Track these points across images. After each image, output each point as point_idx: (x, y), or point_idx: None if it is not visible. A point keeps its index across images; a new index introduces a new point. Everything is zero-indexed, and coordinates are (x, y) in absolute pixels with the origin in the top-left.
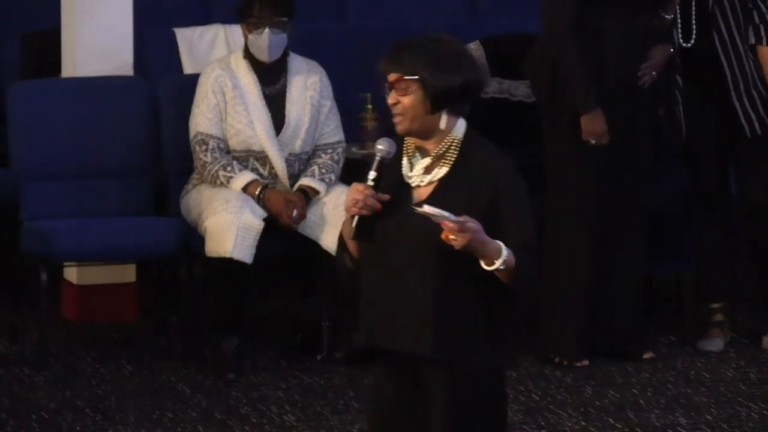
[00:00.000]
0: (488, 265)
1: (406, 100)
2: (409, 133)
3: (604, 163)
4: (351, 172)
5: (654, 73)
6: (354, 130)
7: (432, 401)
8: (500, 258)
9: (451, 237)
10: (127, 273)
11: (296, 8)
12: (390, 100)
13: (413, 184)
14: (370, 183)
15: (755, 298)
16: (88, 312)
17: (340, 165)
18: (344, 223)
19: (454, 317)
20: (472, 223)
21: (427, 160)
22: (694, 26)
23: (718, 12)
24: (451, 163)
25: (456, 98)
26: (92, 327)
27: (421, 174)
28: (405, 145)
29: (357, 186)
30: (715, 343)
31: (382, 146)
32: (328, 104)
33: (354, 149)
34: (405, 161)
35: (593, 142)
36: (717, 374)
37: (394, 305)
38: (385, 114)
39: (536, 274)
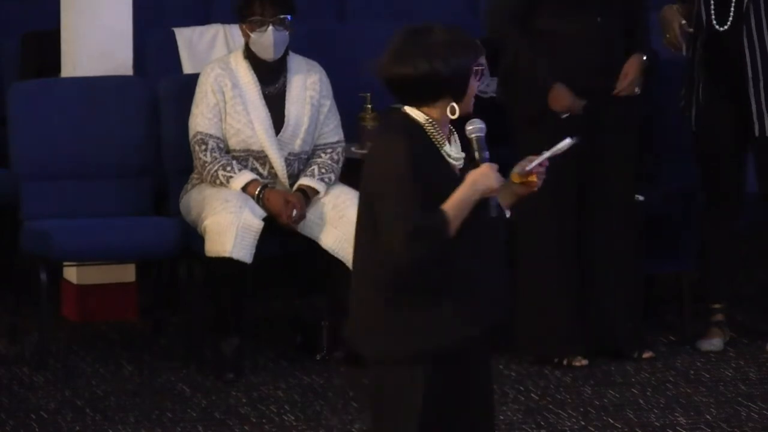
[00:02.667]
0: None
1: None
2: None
3: (574, 160)
4: (350, 172)
5: (637, 89)
6: (354, 129)
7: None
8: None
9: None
10: (126, 273)
11: (296, 6)
12: (478, 88)
13: (458, 165)
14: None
15: (755, 298)
16: (88, 312)
17: (340, 165)
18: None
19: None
20: None
21: (458, 143)
22: (732, 11)
23: (752, 5)
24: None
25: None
26: (92, 327)
27: (460, 155)
28: (431, 132)
29: (490, 168)
30: (715, 343)
31: (475, 125)
32: (328, 104)
33: (353, 149)
34: (439, 146)
35: (567, 114)
36: (717, 374)
37: (486, 280)
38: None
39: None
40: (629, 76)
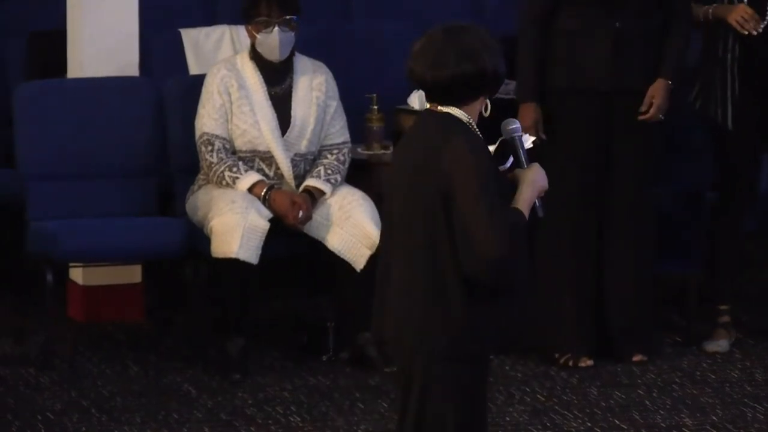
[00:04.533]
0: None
1: None
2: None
3: (586, 159)
4: (356, 173)
5: (661, 115)
6: (360, 130)
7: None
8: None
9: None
10: (132, 273)
11: (302, 7)
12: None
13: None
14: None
15: (762, 299)
16: (94, 312)
17: (346, 166)
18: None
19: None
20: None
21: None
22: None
23: None
24: None
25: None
26: (98, 327)
27: None
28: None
29: (540, 167)
30: (721, 344)
31: (515, 125)
32: (334, 105)
33: (360, 150)
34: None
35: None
36: (723, 375)
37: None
38: (390, 115)
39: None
40: (656, 101)
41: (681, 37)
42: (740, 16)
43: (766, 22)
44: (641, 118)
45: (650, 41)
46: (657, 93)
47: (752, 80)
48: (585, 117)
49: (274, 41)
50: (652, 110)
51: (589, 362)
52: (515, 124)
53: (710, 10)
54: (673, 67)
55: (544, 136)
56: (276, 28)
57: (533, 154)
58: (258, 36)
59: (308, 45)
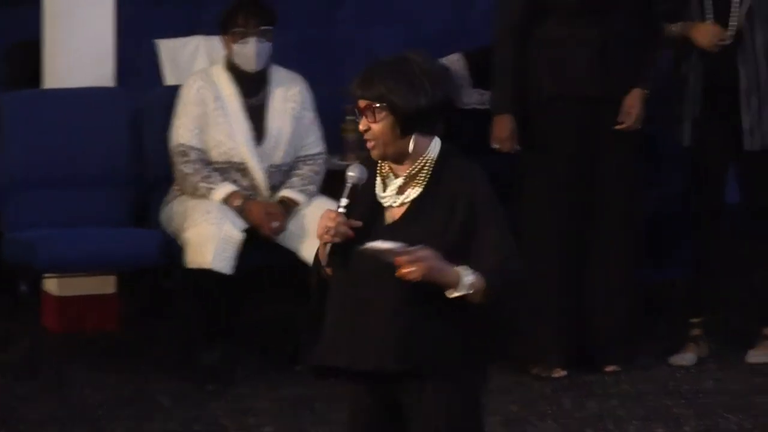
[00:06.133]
0: (450, 292)
1: (376, 127)
2: (385, 158)
3: (570, 168)
4: (332, 184)
5: (639, 125)
6: (335, 141)
7: (410, 421)
8: (460, 285)
9: (405, 271)
10: (107, 284)
11: (278, 16)
12: (361, 127)
13: (386, 204)
14: (342, 210)
15: (735, 310)
16: (69, 323)
17: (321, 176)
18: (319, 248)
19: (420, 330)
20: (426, 252)
21: (400, 181)
22: (734, 25)
23: (747, 23)
24: (423, 183)
25: (426, 119)
26: (74, 338)
27: (393, 195)
28: (379, 166)
29: (329, 213)
30: (686, 358)
31: (352, 173)
32: (309, 115)
33: (335, 160)
34: (379, 181)
35: (498, 146)
36: (696, 385)
37: (363, 324)
38: None
39: (513, 291)
40: (634, 111)
41: (655, 48)
42: (707, 36)
43: (728, 41)
44: (619, 128)
45: (631, 49)
46: (634, 103)
47: (716, 99)
48: (569, 125)
49: (251, 52)
50: (631, 120)
51: (563, 372)
52: (353, 171)
53: (675, 29)
54: (648, 76)
55: (518, 147)
56: (253, 39)
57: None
58: (234, 47)
59: (286, 54)
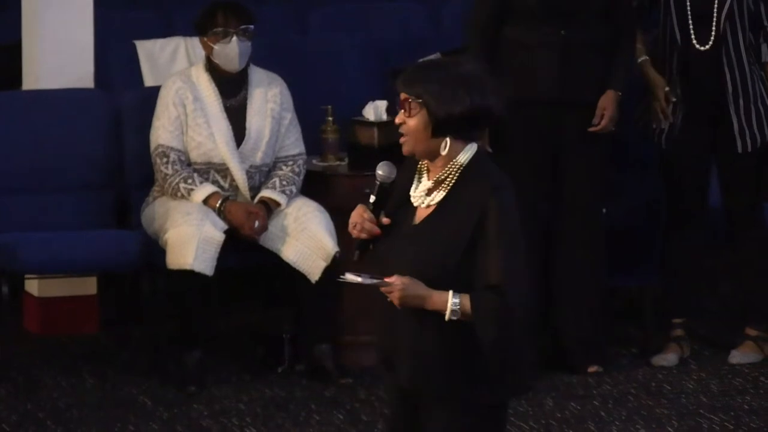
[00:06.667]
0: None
1: (411, 122)
2: (413, 154)
3: (537, 172)
4: (312, 184)
5: (613, 127)
6: (315, 142)
7: None
8: (447, 309)
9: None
10: (87, 285)
11: (257, 17)
12: (397, 120)
13: (415, 204)
14: (370, 206)
15: (717, 311)
16: (50, 324)
17: (301, 177)
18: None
19: (435, 349)
20: (402, 282)
21: (429, 183)
22: (713, 31)
23: (729, 27)
24: (447, 189)
25: (460, 124)
26: (53, 340)
27: (423, 195)
28: (420, 165)
29: (358, 208)
30: (668, 359)
31: (381, 171)
32: (289, 116)
33: (315, 161)
34: (416, 180)
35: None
36: (678, 386)
37: (390, 330)
38: (345, 127)
39: (502, 316)
40: (608, 113)
41: (628, 49)
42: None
43: (708, 46)
44: (593, 129)
45: (597, 53)
46: (608, 104)
47: (700, 100)
48: (535, 128)
49: (232, 51)
50: (603, 121)
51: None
52: (382, 170)
53: (642, 61)
54: (621, 78)
55: (490, 150)
56: (234, 38)
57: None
58: (215, 47)
59: (264, 57)
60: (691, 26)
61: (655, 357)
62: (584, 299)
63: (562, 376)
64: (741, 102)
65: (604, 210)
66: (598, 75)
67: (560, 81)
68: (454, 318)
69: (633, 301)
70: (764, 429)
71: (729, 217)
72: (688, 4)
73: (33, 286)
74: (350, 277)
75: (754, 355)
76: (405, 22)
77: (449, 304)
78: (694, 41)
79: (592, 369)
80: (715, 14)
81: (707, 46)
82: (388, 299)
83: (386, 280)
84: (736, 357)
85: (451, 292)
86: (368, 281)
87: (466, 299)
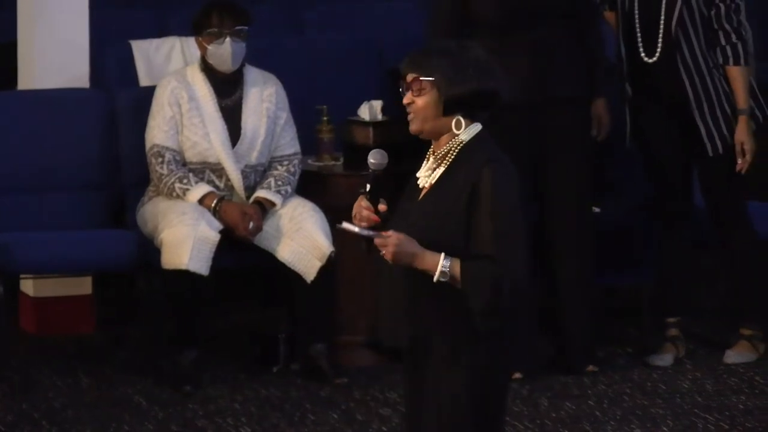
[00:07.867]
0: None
1: (419, 101)
2: (421, 133)
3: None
4: (307, 184)
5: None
6: (310, 142)
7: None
8: (437, 270)
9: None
10: (83, 285)
11: (252, 18)
12: (405, 100)
13: (420, 185)
14: (365, 194)
15: (712, 311)
16: (46, 324)
17: (297, 177)
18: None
19: (416, 310)
20: (396, 237)
21: (432, 161)
22: (659, 43)
23: (681, 33)
24: (447, 164)
25: (469, 104)
26: (49, 340)
27: (427, 175)
28: (428, 154)
29: (358, 199)
30: (665, 359)
31: (373, 159)
32: (284, 116)
33: (310, 161)
34: (425, 162)
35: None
36: (673, 386)
37: (394, 303)
38: (340, 126)
39: (492, 286)
40: (605, 119)
41: (598, 50)
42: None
43: (655, 58)
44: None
45: (565, 50)
46: (602, 112)
47: (657, 104)
48: (515, 134)
49: (226, 52)
50: (604, 130)
51: (518, 375)
52: (374, 158)
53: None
54: (601, 81)
55: None
56: (228, 39)
57: None
58: (209, 47)
59: (259, 57)
60: (639, 39)
61: (651, 357)
62: (577, 300)
63: (557, 376)
64: (705, 107)
65: (597, 209)
66: (569, 70)
67: (533, 81)
68: (443, 280)
69: (629, 301)
70: (759, 428)
71: (716, 219)
72: (636, 15)
73: (28, 286)
74: (347, 226)
75: (749, 354)
76: (400, 21)
77: (439, 266)
78: (643, 54)
79: (589, 368)
80: (662, 25)
81: (654, 59)
82: (381, 253)
83: (383, 234)
84: (731, 357)
85: (443, 254)
86: (365, 232)
87: (457, 264)
